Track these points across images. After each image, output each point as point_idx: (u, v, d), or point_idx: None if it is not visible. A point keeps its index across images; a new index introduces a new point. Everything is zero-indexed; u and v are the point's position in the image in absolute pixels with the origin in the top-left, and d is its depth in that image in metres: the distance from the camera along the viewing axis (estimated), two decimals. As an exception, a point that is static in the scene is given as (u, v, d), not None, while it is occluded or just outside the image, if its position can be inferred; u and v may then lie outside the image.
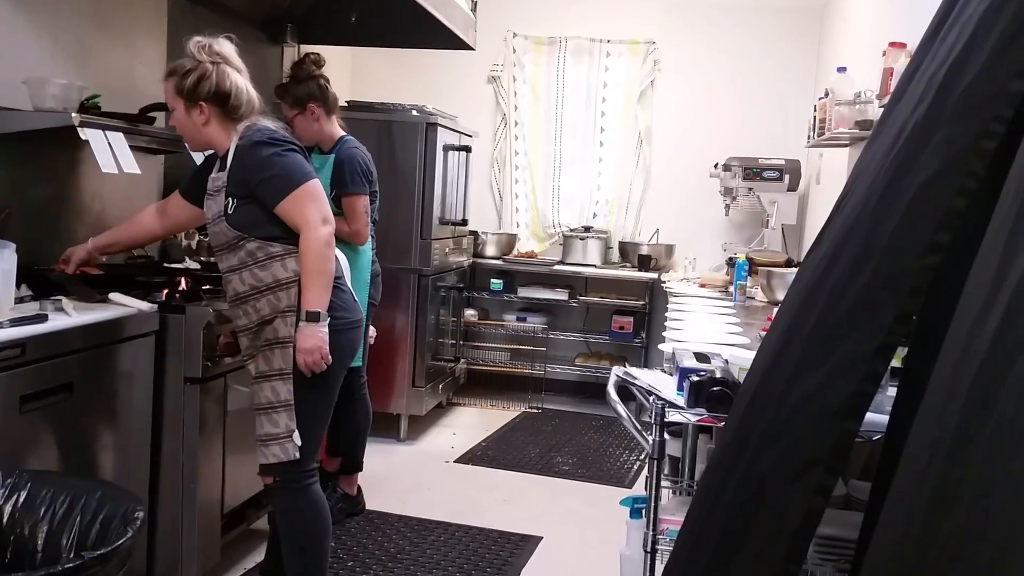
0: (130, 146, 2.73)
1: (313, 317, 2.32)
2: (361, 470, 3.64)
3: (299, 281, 2.35)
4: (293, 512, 2.48)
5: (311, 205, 2.33)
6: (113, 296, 2.56)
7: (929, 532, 0.93)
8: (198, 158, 3.16)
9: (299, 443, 2.37)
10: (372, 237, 3.58)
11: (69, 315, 2.33)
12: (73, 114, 2.57)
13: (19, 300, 2.38)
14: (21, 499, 1.83)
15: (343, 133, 3.46)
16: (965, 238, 1.21)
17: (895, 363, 1.87)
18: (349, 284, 2.56)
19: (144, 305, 2.57)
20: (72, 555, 1.76)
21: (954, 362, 1.00)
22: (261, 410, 2.39)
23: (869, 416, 1.82)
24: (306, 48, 4.91)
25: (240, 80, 2.40)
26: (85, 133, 2.57)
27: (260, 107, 2.47)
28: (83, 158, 3.00)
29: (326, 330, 2.34)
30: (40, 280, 2.56)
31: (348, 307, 2.49)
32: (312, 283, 2.33)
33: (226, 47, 2.41)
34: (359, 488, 3.65)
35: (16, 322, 2.13)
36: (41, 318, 2.21)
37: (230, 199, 2.35)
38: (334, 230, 2.38)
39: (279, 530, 2.56)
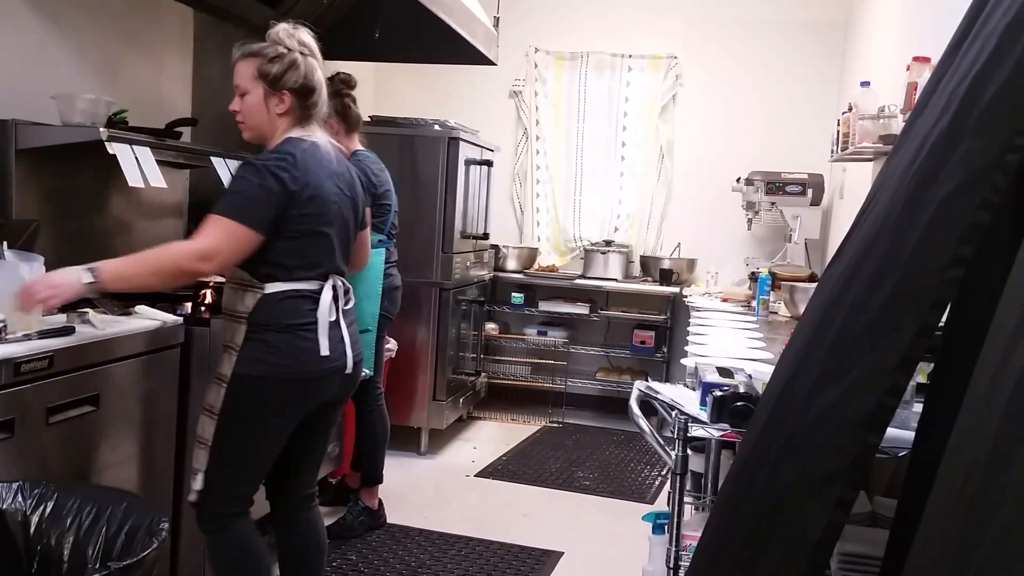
0: (156, 160, 2.77)
1: (89, 271, 2.03)
2: (381, 482, 3.65)
3: (249, 317, 2.19)
4: (213, 554, 2.35)
5: (216, 233, 2.11)
6: (139, 309, 2.59)
7: (966, 552, 0.92)
8: (221, 169, 3.20)
9: (197, 487, 2.24)
10: (389, 249, 3.62)
11: (95, 327, 2.35)
12: (101, 129, 2.61)
13: (47, 313, 2.41)
14: (48, 509, 1.85)
15: (359, 148, 3.54)
16: (987, 252, 1.20)
17: (920, 379, 1.86)
18: (323, 334, 2.25)
19: (170, 318, 2.60)
20: (98, 565, 1.78)
21: (989, 381, 0.99)
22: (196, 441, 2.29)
23: (895, 432, 1.82)
24: (330, 64, 4.96)
25: (324, 81, 2.32)
26: (113, 147, 2.61)
27: (325, 113, 2.37)
28: (110, 172, 3.04)
29: (79, 286, 2.02)
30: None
31: (302, 358, 2.22)
32: (136, 267, 2.10)
33: (314, 43, 2.31)
34: (380, 501, 3.66)
35: (44, 334, 2.16)
36: (68, 330, 2.24)
37: None
38: (207, 272, 2.18)
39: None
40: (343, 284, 2.36)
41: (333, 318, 2.29)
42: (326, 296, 2.27)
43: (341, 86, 3.45)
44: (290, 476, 2.46)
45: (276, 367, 2.20)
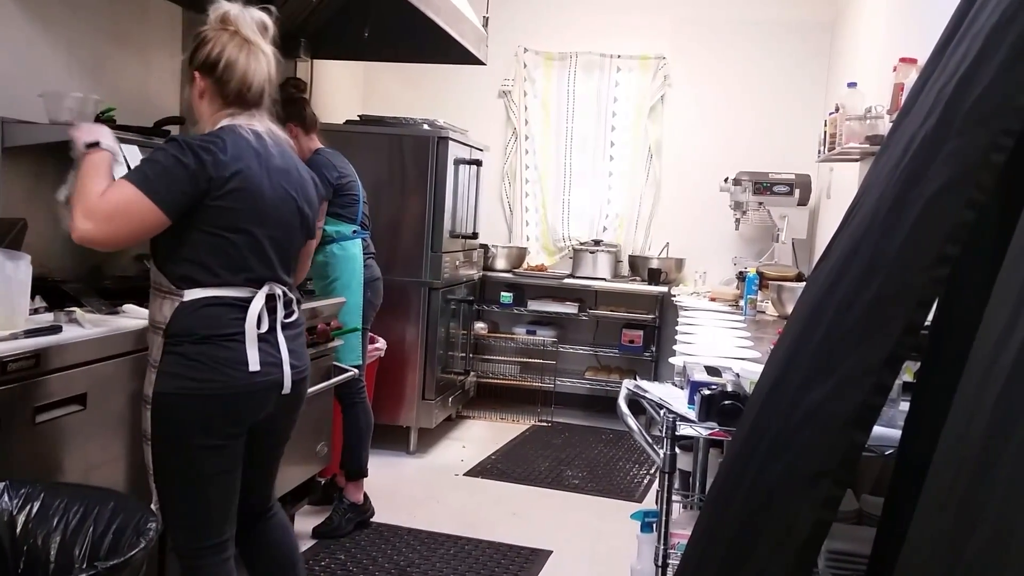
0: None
1: (96, 145, 2.00)
2: (366, 476, 3.64)
3: (166, 329, 2.01)
4: None
5: (112, 197, 1.91)
6: (127, 308, 2.58)
7: (955, 552, 0.92)
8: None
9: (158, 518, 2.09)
10: (365, 240, 3.66)
11: (83, 326, 2.34)
12: (89, 127, 2.59)
13: (33, 311, 2.40)
14: (34, 509, 1.84)
15: (319, 146, 3.63)
16: (973, 251, 1.21)
17: (907, 377, 1.87)
18: (251, 346, 2.03)
19: (157, 317, 2.58)
20: (85, 565, 1.77)
21: (978, 380, 0.99)
22: None
23: (881, 431, 1.84)
24: (321, 64, 4.96)
25: (240, 55, 2.04)
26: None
27: (267, 103, 2.14)
28: (98, 171, 3.03)
29: (83, 144, 2.00)
30: (54, 291, 2.58)
31: (225, 370, 2.00)
32: (93, 174, 1.97)
33: (244, 19, 2.07)
34: (366, 495, 3.65)
35: (31, 333, 2.14)
36: (55, 329, 2.22)
37: None
38: (83, 231, 1.91)
39: None
40: (284, 294, 2.12)
41: (265, 329, 2.06)
42: (256, 304, 2.03)
43: (293, 91, 3.59)
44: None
45: (196, 383, 1.98)
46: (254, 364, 2.02)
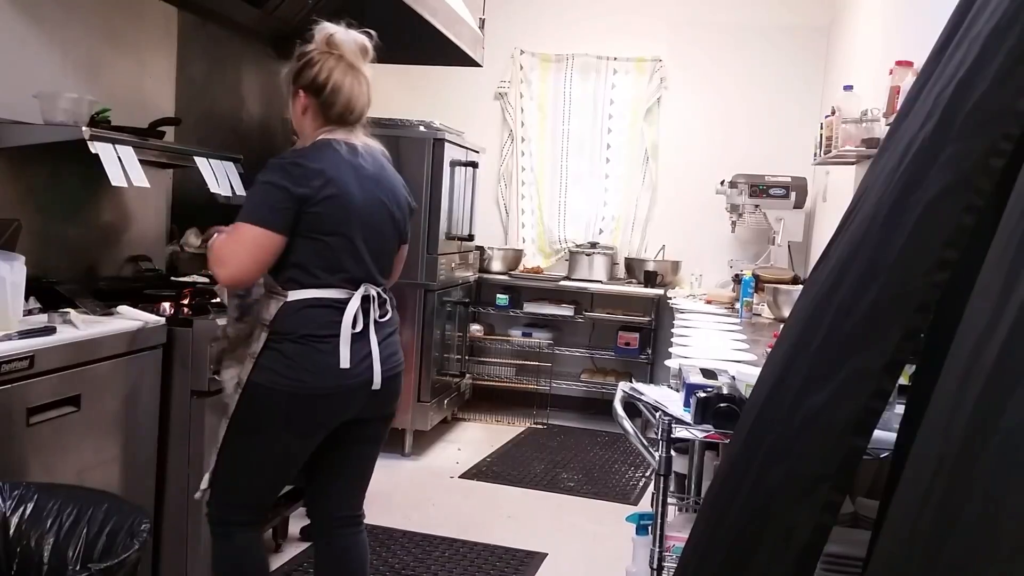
0: (139, 160, 2.75)
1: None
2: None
3: (269, 327, 2.16)
4: (214, 556, 2.31)
5: (235, 243, 2.10)
6: (121, 309, 2.57)
7: (933, 549, 0.92)
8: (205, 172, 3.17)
9: (202, 486, 2.25)
10: None
11: (77, 328, 2.33)
12: (83, 128, 2.59)
13: (28, 312, 2.39)
14: (28, 511, 1.84)
15: None
16: (972, 255, 1.21)
17: (902, 380, 1.87)
18: (345, 345, 2.15)
19: (152, 318, 2.58)
20: (78, 567, 1.76)
21: (959, 376, 0.99)
22: None
23: (877, 434, 1.82)
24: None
25: (345, 80, 2.20)
26: (95, 147, 2.59)
27: (364, 122, 2.30)
28: (93, 172, 3.02)
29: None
30: (49, 292, 2.57)
31: (317, 371, 2.13)
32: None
33: (348, 43, 2.23)
34: (363, 502, 3.64)
35: (24, 334, 2.14)
36: (49, 330, 2.22)
37: None
38: (224, 277, 2.13)
39: None
40: (378, 294, 2.24)
41: (359, 329, 2.17)
42: (352, 306, 2.16)
43: None
44: (321, 493, 2.41)
45: (287, 380, 2.12)
46: (345, 362, 2.15)
